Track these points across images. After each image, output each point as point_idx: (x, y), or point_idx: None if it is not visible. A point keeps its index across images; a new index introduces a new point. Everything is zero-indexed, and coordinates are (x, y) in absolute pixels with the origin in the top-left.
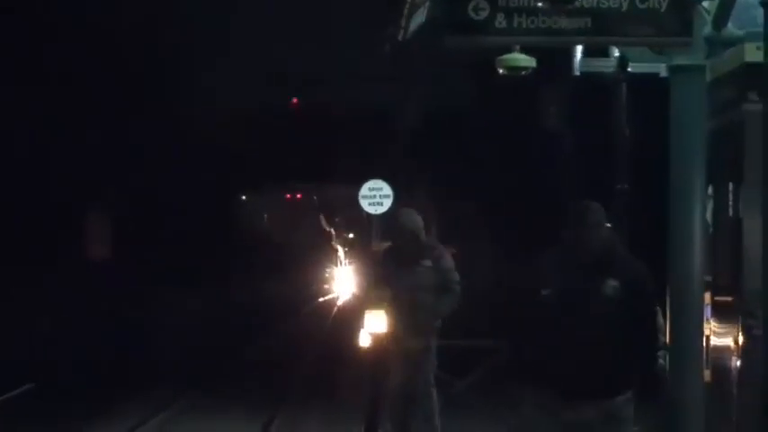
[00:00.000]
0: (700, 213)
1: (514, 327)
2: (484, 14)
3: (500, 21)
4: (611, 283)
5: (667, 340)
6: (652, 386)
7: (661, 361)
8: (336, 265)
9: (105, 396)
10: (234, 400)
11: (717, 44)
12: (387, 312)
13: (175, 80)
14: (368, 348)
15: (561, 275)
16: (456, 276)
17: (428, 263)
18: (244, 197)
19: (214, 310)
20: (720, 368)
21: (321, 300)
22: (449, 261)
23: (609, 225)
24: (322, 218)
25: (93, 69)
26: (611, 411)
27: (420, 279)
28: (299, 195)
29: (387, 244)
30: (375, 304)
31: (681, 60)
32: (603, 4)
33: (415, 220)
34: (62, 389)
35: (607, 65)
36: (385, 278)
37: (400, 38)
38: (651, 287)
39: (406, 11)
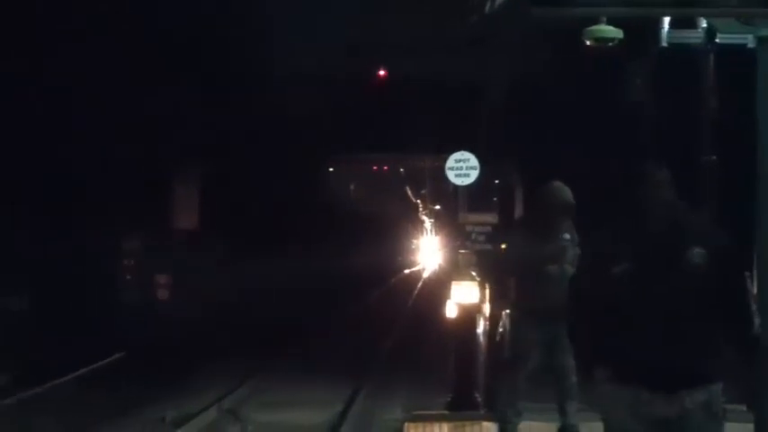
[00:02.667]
0: None
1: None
2: None
3: None
4: (697, 251)
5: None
6: (749, 357)
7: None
8: (423, 237)
9: (192, 365)
10: (320, 370)
11: None
12: (527, 285)
13: (261, 52)
14: (455, 319)
15: (631, 249)
16: (579, 251)
17: (567, 236)
18: (330, 169)
19: (300, 281)
20: None
21: (408, 271)
22: (576, 234)
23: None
24: (408, 189)
25: (179, 40)
26: (708, 401)
27: (566, 253)
28: (385, 167)
29: (480, 216)
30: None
31: None
32: None
33: (570, 193)
34: (151, 358)
35: (695, 36)
36: (527, 250)
37: (486, 9)
38: (738, 251)
39: None
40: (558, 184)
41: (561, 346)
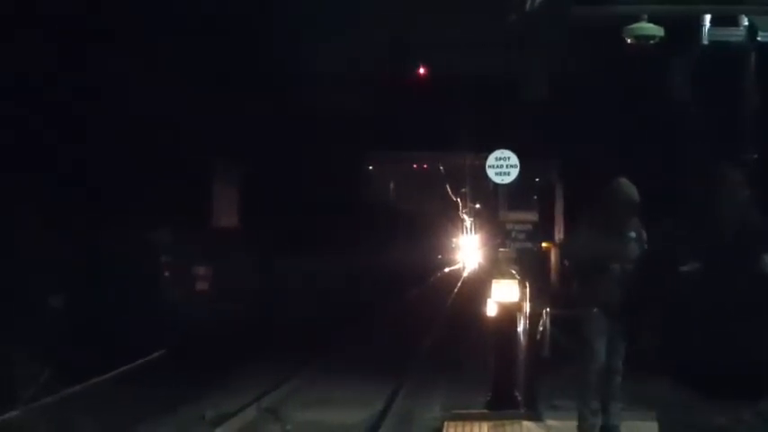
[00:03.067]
0: None
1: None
2: None
3: None
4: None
5: None
6: None
7: None
8: (463, 235)
9: (235, 362)
10: (361, 367)
11: None
12: (593, 282)
13: (301, 50)
14: (495, 317)
15: (702, 249)
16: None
17: (632, 234)
18: (370, 167)
19: (339, 280)
20: None
21: (447, 269)
22: (645, 234)
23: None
24: (448, 188)
25: (219, 41)
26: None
27: (630, 251)
28: (425, 165)
29: (520, 214)
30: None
31: None
32: None
33: (635, 190)
34: (193, 355)
35: (736, 34)
36: (592, 248)
37: (527, 8)
38: None
39: None
40: (623, 180)
41: (615, 346)
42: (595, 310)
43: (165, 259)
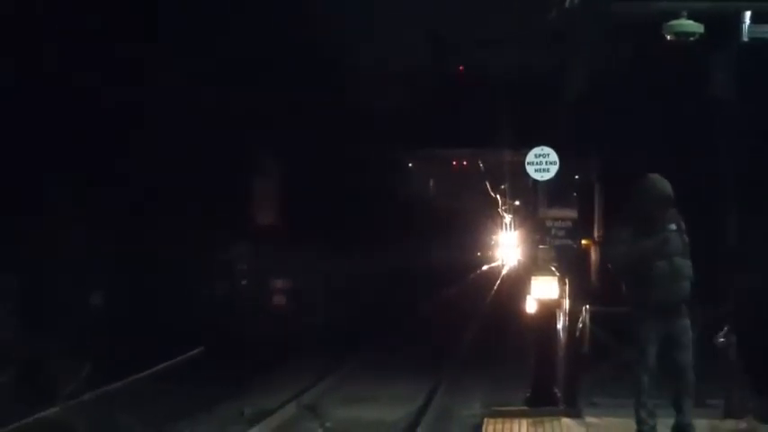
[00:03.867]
0: None
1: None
2: None
3: None
4: None
5: None
6: None
7: None
8: (502, 232)
9: (273, 359)
10: (400, 364)
11: None
12: (639, 281)
13: (340, 48)
14: (534, 314)
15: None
16: (687, 239)
17: (673, 226)
18: (410, 164)
19: (381, 278)
20: None
21: (487, 267)
22: (683, 223)
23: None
24: (488, 185)
25: (255, 37)
26: None
27: (673, 245)
28: (464, 162)
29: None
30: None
31: None
32: None
33: (669, 184)
34: (230, 352)
35: None
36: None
37: (567, 4)
38: None
39: None
40: (654, 176)
41: (679, 342)
42: (646, 311)
43: (240, 267)
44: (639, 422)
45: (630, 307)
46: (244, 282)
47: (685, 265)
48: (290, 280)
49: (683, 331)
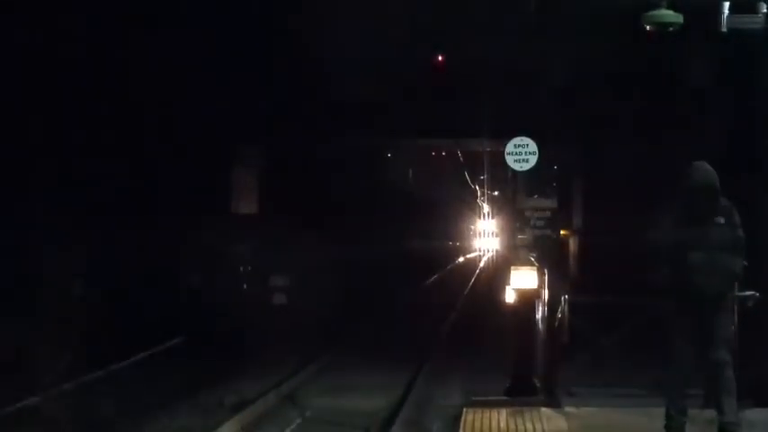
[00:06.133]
0: None
1: None
2: None
3: None
4: None
5: None
6: None
7: None
8: (481, 222)
9: (254, 349)
10: (380, 354)
11: None
12: (676, 272)
13: (322, 36)
14: (513, 304)
15: None
16: (743, 235)
17: (721, 220)
18: (389, 154)
19: (358, 268)
20: None
21: (467, 256)
22: (737, 217)
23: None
24: (467, 175)
25: (238, 26)
26: None
27: (717, 238)
28: (444, 153)
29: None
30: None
31: None
32: None
33: (713, 173)
34: (212, 341)
35: (755, 21)
36: (677, 236)
37: None
38: None
39: None
40: (696, 164)
41: (715, 339)
42: (679, 302)
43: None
44: (668, 418)
45: (666, 297)
46: (244, 278)
47: (728, 259)
48: (289, 277)
49: (719, 327)
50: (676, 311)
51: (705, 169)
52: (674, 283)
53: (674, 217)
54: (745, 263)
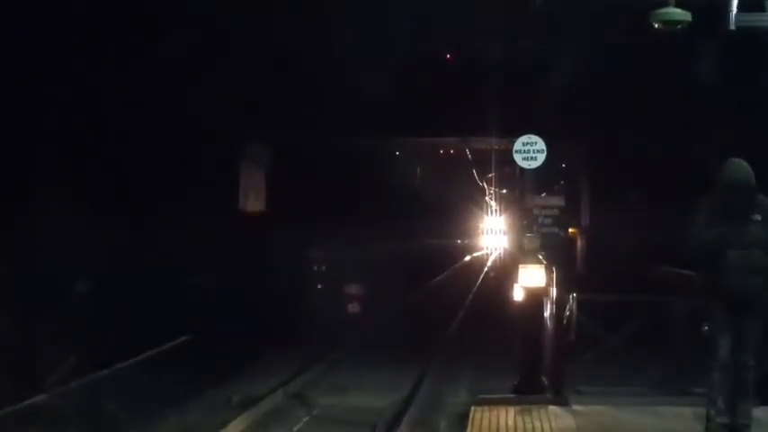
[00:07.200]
0: None
1: None
2: None
3: None
4: None
5: None
6: None
7: None
8: (489, 220)
9: (259, 348)
10: (388, 352)
11: None
12: (710, 271)
13: (331, 33)
14: (521, 302)
15: None
16: None
17: (758, 217)
18: (397, 153)
19: (367, 266)
20: None
21: (473, 255)
22: None
23: None
24: (475, 173)
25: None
26: None
27: (753, 236)
28: (452, 150)
29: (547, 199)
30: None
31: None
32: None
33: (748, 170)
34: (217, 341)
35: (763, 19)
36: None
37: None
38: None
39: None
40: (731, 160)
41: (743, 341)
42: (716, 301)
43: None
44: (709, 419)
45: (703, 296)
46: (319, 286)
47: (765, 257)
48: (362, 286)
49: (750, 330)
50: (713, 309)
51: (739, 166)
52: (711, 282)
53: (708, 215)
54: None
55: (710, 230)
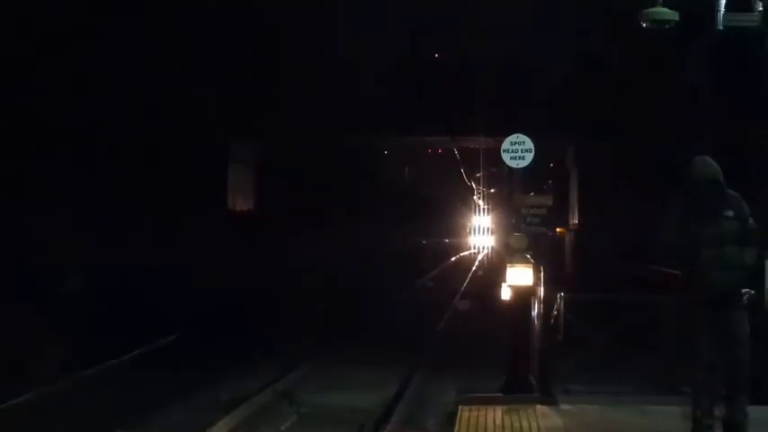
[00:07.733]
0: None
1: None
2: None
3: None
4: None
5: None
6: None
7: None
8: (477, 220)
9: (246, 348)
10: (375, 352)
11: None
12: (688, 270)
13: (321, 33)
14: (509, 302)
15: None
16: (755, 224)
17: (730, 213)
18: (385, 151)
19: (352, 265)
20: None
21: (461, 254)
22: (747, 207)
23: None
24: (463, 172)
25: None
26: None
27: (726, 232)
28: (440, 150)
29: (535, 198)
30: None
31: None
32: None
33: (716, 167)
34: (205, 339)
35: (751, 19)
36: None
37: None
38: None
39: None
40: (697, 158)
41: (732, 337)
42: (696, 301)
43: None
44: (695, 421)
45: (682, 296)
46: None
47: (741, 253)
48: None
49: (737, 325)
50: (694, 310)
51: (706, 163)
52: (689, 281)
53: (680, 215)
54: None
55: (680, 234)
